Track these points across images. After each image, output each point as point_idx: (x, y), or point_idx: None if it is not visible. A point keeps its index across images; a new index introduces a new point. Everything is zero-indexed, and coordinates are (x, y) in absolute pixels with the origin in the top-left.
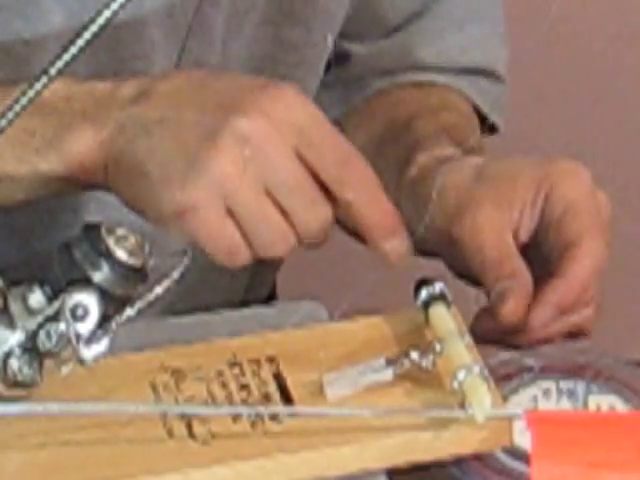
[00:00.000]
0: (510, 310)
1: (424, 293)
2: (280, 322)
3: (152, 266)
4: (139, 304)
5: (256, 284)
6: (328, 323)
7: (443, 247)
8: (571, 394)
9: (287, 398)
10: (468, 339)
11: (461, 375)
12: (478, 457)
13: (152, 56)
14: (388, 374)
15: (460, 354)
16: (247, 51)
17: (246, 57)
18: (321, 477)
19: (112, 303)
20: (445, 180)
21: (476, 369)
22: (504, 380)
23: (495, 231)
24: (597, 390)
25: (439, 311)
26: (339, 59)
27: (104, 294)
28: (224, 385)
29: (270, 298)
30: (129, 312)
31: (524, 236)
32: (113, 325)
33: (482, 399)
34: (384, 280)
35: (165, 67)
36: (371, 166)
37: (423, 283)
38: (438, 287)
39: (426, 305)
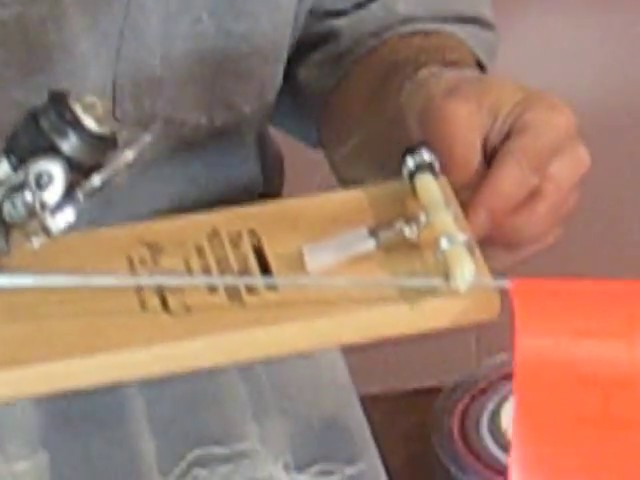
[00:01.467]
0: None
1: (410, 162)
2: None
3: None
4: (106, 172)
5: None
6: (309, 195)
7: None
8: None
9: (266, 271)
10: (457, 210)
11: (444, 243)
12: (478, 457)
13: (87, 69)
14: (370, 244)
15: (445, 223)
16: (191, 47)
17: (191, 53)
18: (296, 350)
19: (80, 172)
20: (443, 75)
21: (461, 238)
22: (504, 380)
23: (469, 129)
24: None
25: (425, 180)
26: (326, 38)
27: (72, 163)
28: (202, 259)
29: None
30: (96, 180)
31: (489, 148)
32: (79, 194)
33: (465, 268)
34: None
35: (103, 77)
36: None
37: (409, 151)
38: (426, 155)
39: (412, 175)
